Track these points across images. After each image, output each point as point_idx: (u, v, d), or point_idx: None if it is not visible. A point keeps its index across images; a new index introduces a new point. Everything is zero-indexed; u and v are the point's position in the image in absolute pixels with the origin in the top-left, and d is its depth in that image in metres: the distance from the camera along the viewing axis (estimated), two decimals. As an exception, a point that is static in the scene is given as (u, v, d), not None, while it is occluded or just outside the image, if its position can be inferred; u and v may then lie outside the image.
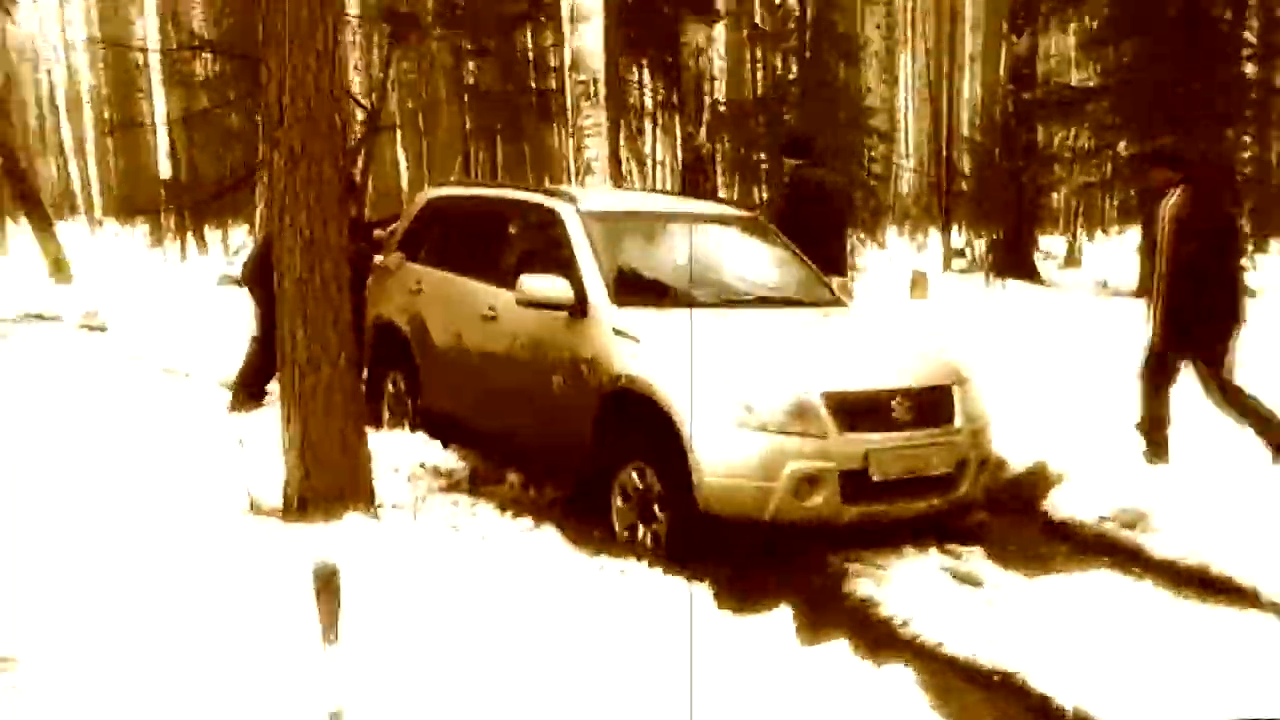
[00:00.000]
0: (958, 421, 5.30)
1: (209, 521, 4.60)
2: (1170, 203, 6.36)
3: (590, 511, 5.44)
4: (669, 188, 21.55)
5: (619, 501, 5.35)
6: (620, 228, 6.19)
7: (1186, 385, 6.66)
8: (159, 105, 23.61)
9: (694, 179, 13.67)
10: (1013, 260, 18.29)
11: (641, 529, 5.22)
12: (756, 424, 4.84)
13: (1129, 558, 5.43)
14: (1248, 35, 16.55)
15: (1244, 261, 6.65)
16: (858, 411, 5.00)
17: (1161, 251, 6.34)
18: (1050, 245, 24.06)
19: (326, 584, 2.85)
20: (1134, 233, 20.47)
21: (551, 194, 6.50)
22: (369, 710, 3.01)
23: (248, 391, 7.74)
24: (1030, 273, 18.27)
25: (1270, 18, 16.66)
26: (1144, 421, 6.58)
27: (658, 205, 7.12)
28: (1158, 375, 6.51)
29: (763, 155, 16.91)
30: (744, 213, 7.05)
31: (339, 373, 4.87)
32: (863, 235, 20.10)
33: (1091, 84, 18.90)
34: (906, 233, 30.42)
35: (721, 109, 16.61)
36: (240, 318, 9.78)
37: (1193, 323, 6.32)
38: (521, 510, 5.64)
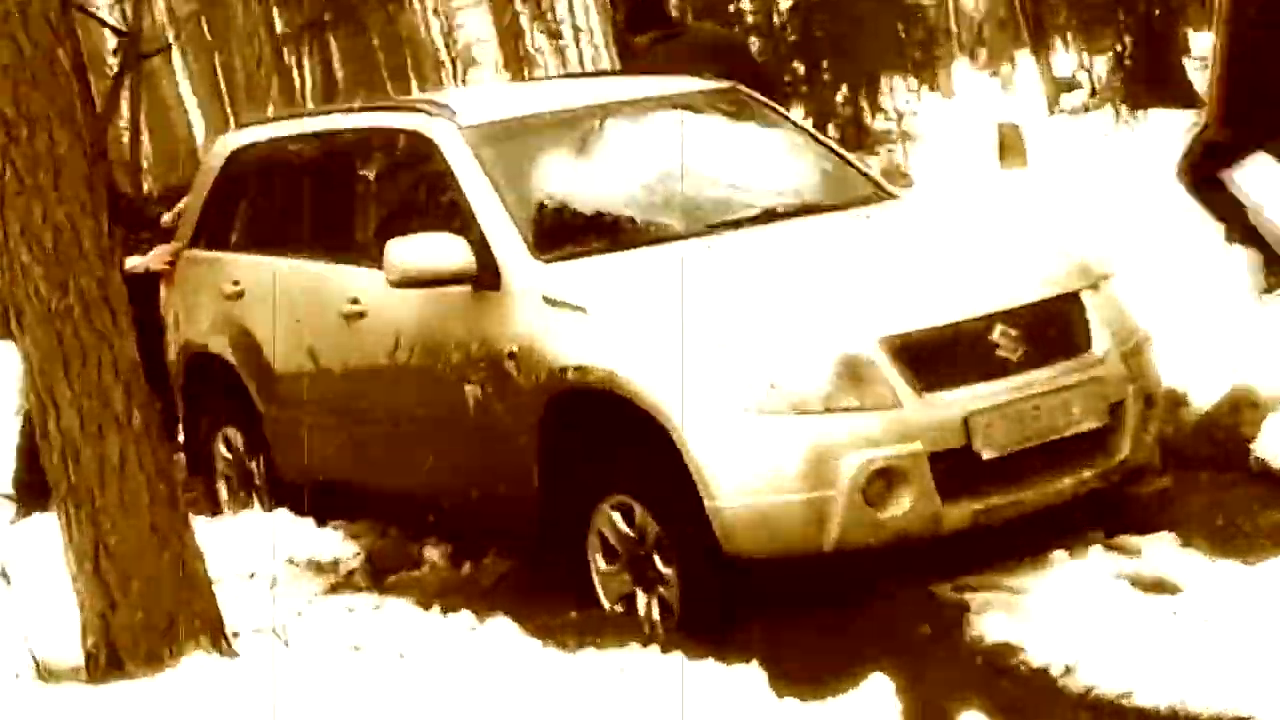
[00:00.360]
0: (1099, 346, 5.33)
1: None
2: None
3: (560, 582, 5.47)
4: (602, 67, 21.50)
5: (601, 561, 5.37)
6: (531, 142, 6.21)
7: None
8: None
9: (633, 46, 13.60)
10: (1154, 79, 18.30)
11: (643, 597, 5.24)
12: (789, 405, 4.84)
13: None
14: None
15: None
16: (941, 357, 5.02)
17: (1220, 14, 7.06)
18: (1207, 46, 24.06)
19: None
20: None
21: (417, 109, 6.54)
22: None
23: (33, 488, 7.69)
24: (1183, 94, 18.27)
25: None
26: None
27: (583, 96, 7.06)
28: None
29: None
30: (714, 84, 6.99)
31: (133, 439, 4.83)
32: (912, 82, 20.13)
33: None
34: (982, 66, 30.48)
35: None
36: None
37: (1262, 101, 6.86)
38: (454, 600, 5.64)
